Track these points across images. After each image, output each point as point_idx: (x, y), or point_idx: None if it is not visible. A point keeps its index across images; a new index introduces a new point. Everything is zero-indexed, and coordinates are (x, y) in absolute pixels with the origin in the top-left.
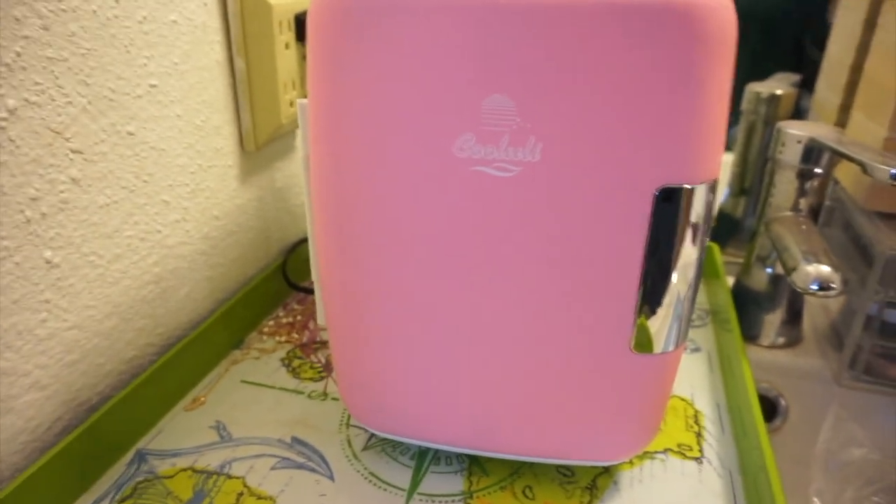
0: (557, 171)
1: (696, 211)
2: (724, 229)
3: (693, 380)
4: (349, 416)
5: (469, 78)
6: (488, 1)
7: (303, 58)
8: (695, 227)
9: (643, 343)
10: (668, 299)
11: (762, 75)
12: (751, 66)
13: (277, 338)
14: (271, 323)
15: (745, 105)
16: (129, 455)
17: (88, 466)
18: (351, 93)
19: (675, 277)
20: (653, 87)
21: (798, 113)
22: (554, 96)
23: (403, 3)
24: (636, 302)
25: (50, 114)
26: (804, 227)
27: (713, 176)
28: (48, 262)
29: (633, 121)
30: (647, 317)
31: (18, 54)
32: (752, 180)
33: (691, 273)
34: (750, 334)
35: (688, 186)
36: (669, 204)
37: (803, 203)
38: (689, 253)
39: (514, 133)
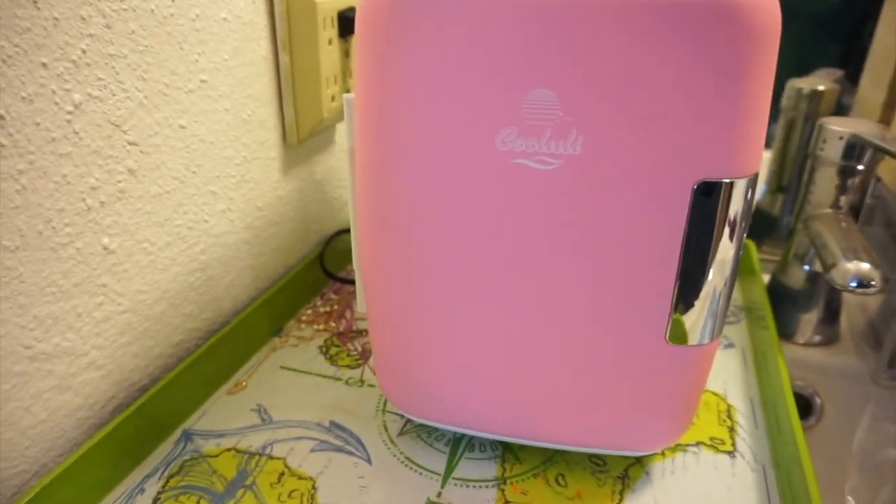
0: (598, 165)
1: (735, 205)
2: (761, 227)
3: (726, 375)
4: (385, 403)
5: (513, 72)
6: None
7: (345, 54)
8: (733, 222)
9: (678, 335)
10: (705, 293)
11: (806, 71)
12: (797, 61)
13: (315, 326)
14: (309, 312)
15: (785, 101)
16: (177, 434)
17: (139, 444)
18: (397, 86)
19: (712, 272)
20: (696, 81)
21: (839, 110)
22: (597, 90)
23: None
24: (673, 295)
25: (111, 108)
26: (844, 224)
27: (753, 170)
28: (105, 248)
29: (675, 114)
30: (683, 311)
31: (84, 51)
32: (790, 177)
33: (728, 268)
34: (785, 332)
35: (727, 181)
36: (708, 198)
37: (844, 200)
38: (726, 248)
39: (556, 126)
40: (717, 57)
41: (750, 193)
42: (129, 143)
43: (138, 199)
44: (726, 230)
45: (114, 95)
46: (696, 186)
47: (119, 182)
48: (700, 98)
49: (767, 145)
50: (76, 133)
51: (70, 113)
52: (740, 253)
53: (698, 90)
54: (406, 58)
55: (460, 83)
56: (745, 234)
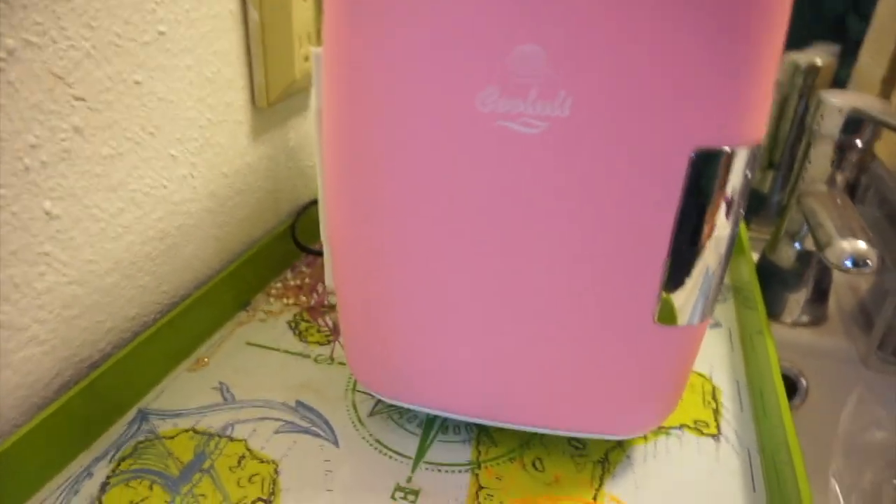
0: (588, 128)
1: (735, 178)
2: (750, 204)
3: (712, 356)
4: (355, 382)
5: (498, 26)
6: None
7: (319, 9)
8: (731, 197)
9: (667, 315)
10: (697, 272)
11: (800, 45)
12: (790, 36)
13: (285, 300)
14: (279, 285)
15: (780, 75)
16: (131, 414)
17: (89, 424)
18: (369, 40)
19: (706, 249)
20: (699, 35)
21: (835, 86)
22: (587, 45)
23: None
24: (663, 272)
25: (51, 57)
26: (839, 201)
27: (756, 139)
28: (48, 213)
29: (675, 73)
30: (673, 289)
31: None
32: (782, 154)
33: (723, 246)
34: (772, 311)
35: (727, 149)
36: (706, 168)
37: (840, 177)
38: (722, 224)
39: (543, 86)
40: (724, 7)
41: (751, 166)
42: (75, 98)
43: (86, 161)
44: (723, 205)
45: (55, 43)
46: (693, 154)
47: (63, 140)
48: (704, 55)
49: None
50: (10, 84)
51: (3, 60)
52: (736, 230)
53: (701, 46)
54: (378, 7)
55: (437, 37)
56: (742, 211)
